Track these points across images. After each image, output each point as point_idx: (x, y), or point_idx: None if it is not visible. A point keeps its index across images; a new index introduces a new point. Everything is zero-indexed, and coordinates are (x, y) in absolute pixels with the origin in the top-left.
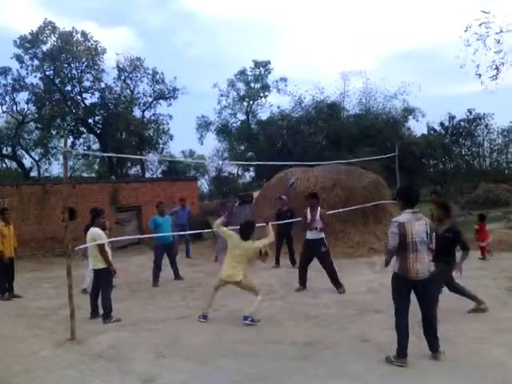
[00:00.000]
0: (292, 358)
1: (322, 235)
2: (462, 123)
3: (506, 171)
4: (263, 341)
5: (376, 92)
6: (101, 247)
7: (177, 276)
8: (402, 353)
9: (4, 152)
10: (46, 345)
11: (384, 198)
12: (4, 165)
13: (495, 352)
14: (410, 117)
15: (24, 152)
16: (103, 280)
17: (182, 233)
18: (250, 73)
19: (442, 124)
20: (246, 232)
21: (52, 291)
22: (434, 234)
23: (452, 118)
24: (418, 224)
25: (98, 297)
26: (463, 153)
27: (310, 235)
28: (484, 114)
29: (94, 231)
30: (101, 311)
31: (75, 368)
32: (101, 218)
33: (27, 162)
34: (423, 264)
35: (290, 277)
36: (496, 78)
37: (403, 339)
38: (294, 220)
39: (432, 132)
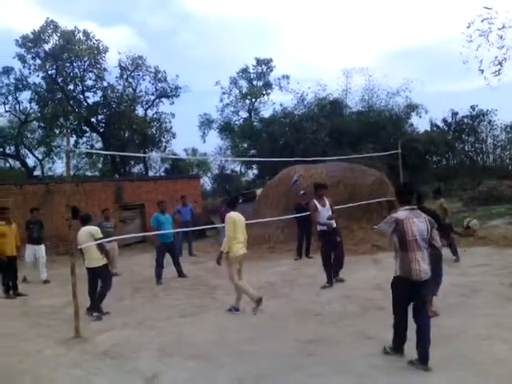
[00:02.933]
0: (295, 355)
1: (335, 224)
2: (465, 119)
3: (510, 167)
4: (266, 338)
5: (378, 89)
6: (99, 244)
7: (180, 274)
8: (398, 349)
9: (7, 151)
10: (50, 343)
11: (387, 195)
12: (7, 164)
13: (499, 348)
14: (413, 113)
15: (27, 151)
16: (103, 277)
17: (185, 229)
18: (252, 70)
19: (445, 120)
20: (233, 203)
21: (56, 290)
22: (434, 230)
23: (455, 114)
24: (418, 221)
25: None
26: (466, 149)
27: (325, 226)
28: (487, 110)
29: (88, 228)
30: (105, 309)
31: (79, 366)
32: (90, 222)
33: (30, 161)
34: (425, 263)
35: (293, 274)
36: (499, 74)
37: (400, 339)
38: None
39: (435, 128)
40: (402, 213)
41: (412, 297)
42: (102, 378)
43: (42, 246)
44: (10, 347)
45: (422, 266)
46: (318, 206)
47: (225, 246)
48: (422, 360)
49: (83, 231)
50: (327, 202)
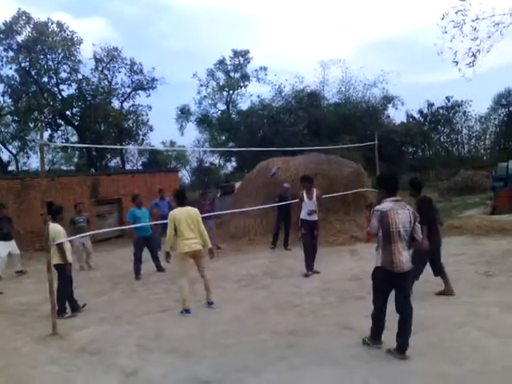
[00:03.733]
0: (275, 347)
1: (317, 218)
2: (441, 110)
3: (485, 158)
4: (246, 331)
5: (355, 81)
6: (59, 245)
7: (159, 268)
8: (377, 338)
9: None
10: (27, 341)
11: (364, 187)
12: None
13: (475, 336)
14: (390, 105)
15: (1, 145)
16: (59, 275)
17: (162, 221)
18: (229, 62)
19: (420, 112)
20: (180, 198)
21: (33, 286)
22: (416, 222)
23: (430, 105)
24: (401, 213)
25: (72, 291)
26: (442, 140)
27: (307, 217)
28: (462, 101)
29: (53, 228)
30: (81, 303)
31: (57, 363)
32: (62, 214)
33: (5, 155)
34: (406, 255)
35: (272, 266)
36: (473, 65)
37: (379, 329)
38: (292, 202)
39: (411, 120)
40: (386, 204)
41: (394, 288)
42: (81, 374)
43: (13, 242)
44: None
45: (403, 258)
46: (306, 198)
47: (166, 244)
48: (401, 349)
49: (50, 227)
50: (314, 195)
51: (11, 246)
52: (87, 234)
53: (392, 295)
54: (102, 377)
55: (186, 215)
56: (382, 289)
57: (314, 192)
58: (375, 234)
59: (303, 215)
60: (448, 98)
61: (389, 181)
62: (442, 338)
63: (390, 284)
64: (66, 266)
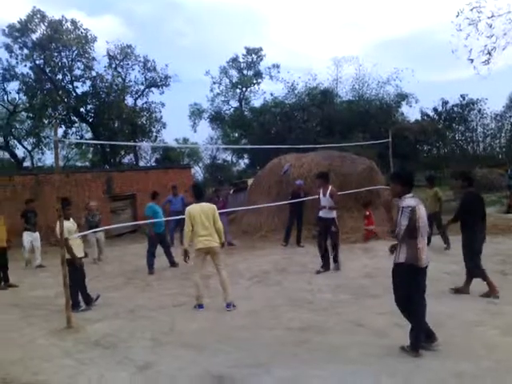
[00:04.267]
0: (288, 343)
1: (334, 215)
2: (455, 108)
3: (500, 156)
4: (259, 326)
5: (369, 78)
6: (65, 240)
7: (172, 263)
8: (430, 335)
9: None
10: (42, 334)
11: (377, 184)
12: None
13: (490, 334)
14: (403, 102)
15: (16, 142)
16: (69, 270)
17: (178, 217)
18: (242, 60)
19: (435, 109)
20: (197, 193)
21: (48, 280)
22: None
23: (445, 103)
24: (422, 208)
25: (85, 285)
26: (457, 138)
27: (322, 213)
28: (477, 98)
29: (67, 225)
30: (94, 296)
31: (71, 356)
32: (70, 208)
33: (20, 152)
34: (427, 249)
35: (285, 262)
36: (488, 63)
37: (424, 324)
38: (305, 199)
39: (425, 117)
40: (411, 200)
41: (415, 284)
42: (94, 367)
43: (37, 234)
44: (1, 338)
45: (426, 253)
46: (321, 194)
47: (184, 241)
48: (414, 347)
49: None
50: (328, 192)
51: (34, 238)
52: (100, 229)
53: None
54: (115, 370)
55: (200, 211)
56: (405, 285)
57: (329, 188)
58: (402, 234)
59: (319, 213)
60: (463, 96)
61: (409, 176)
62: (457, 336)
63: (413, 279)
64: (75, 261)
